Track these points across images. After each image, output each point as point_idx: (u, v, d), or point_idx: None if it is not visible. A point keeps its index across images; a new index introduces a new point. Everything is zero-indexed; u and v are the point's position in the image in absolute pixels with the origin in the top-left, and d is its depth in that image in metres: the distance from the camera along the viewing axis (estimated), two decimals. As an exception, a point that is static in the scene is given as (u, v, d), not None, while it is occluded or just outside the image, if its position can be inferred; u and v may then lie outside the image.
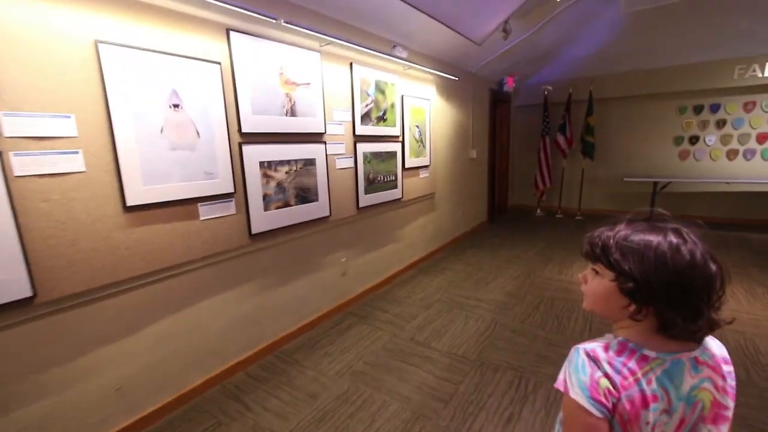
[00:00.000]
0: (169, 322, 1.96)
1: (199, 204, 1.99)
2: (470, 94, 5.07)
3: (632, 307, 0.60)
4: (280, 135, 2.38)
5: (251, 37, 2.14)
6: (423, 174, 4.07)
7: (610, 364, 0.60)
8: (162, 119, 1.78)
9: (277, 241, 2.48)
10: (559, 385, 0.64)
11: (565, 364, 0.64)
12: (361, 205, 3.13)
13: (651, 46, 5.22)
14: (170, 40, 1.79)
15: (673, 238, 0.57)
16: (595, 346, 0.63)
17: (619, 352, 0.61)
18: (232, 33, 2.04)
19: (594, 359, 0.60)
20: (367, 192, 3.18)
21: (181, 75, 1.84)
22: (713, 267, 0.56)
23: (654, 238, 0.58)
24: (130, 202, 1.70)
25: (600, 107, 6.17)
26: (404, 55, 3.31)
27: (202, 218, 2.01)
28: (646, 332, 0.61)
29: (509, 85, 6.06)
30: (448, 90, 4.48)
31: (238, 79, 2.09)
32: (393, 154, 3.49)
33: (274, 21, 2.17)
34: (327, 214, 2.79)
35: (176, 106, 1.83)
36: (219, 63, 1.99)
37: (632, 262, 0.58)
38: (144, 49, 1.68)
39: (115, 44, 1.59)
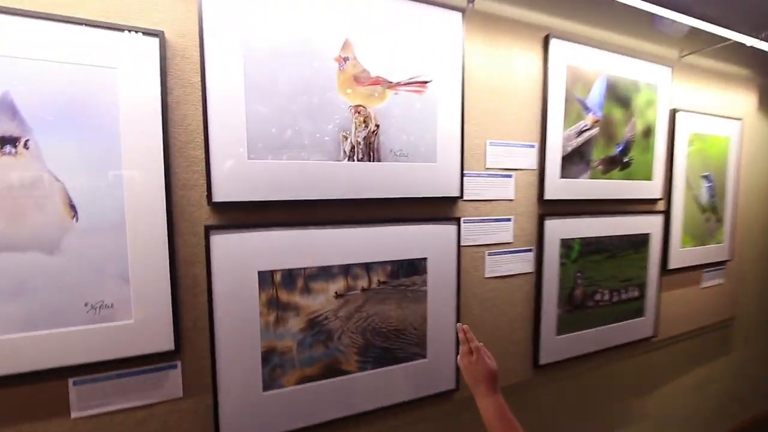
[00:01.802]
0: None
1: (71, 380, 0.79)
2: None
3: None
4: (329, 205, 0.98)
5: (260, -31, 0.86)
6: (711, 279, 1.84)
7: None
8: (-44, 175, 0.68)
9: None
10: None
11: None
12: (544, 359, 1.34)
13: None
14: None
15: None
16: None
17: None
18: (199, -42, 0.81)
19: None
20: (563, 329, 1.37)
21: (33, 65, 0.71)
22: None
23: None
24: None
25: None
26: (689, 23, 1.38)
27: (75, 414, 0.80)
28: None
29: None
30: (786, 98, 2.08)
31: (211, 76, 0.83)
32: (639, 242, 1.53)
33: None
34: (451, 386, 1.17)
35: (10, 141, 0.71)
36: (157, 35, 0.79)
37: None
38: None
39: None
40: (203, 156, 0.85)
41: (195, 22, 0.82)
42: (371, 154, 1.00)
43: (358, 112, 0.97)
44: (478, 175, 1.17)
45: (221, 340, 0.89)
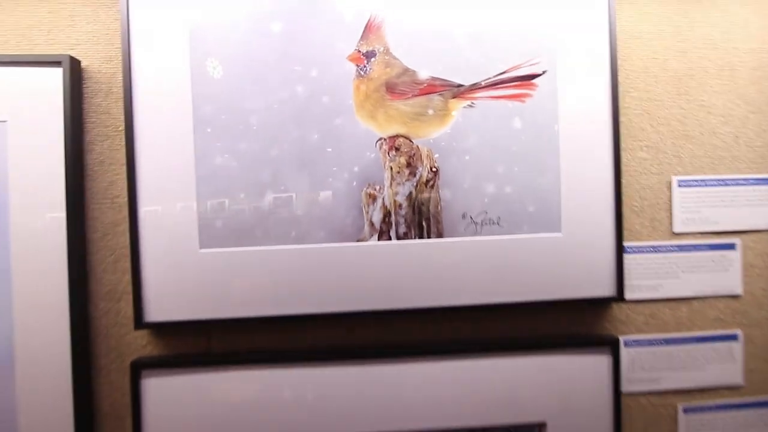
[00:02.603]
0: None
1: None
2: None
3: None
4: (345, 322, 0.54)
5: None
6: None
7: None
8: None
9: None
10: None
11: None
12: None
13: None
14: None
15: None
16: None
17: None
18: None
19: None
20: None
21: None
22: None
23: None
24: None
25: None
26: None
27: None
28: None
29: None
30: None
31: (142, 117, 0.50)
32: None
33: None
34: None
35: None
36: (60, 63, 0.50)
37: None
38: None
39: None
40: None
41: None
42: (425, 224, 0.53)
43: (396, 149, 0.52)
44: (656, 250, 0.58)
45: None
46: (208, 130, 0.50)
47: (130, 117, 0.50)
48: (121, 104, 0.52)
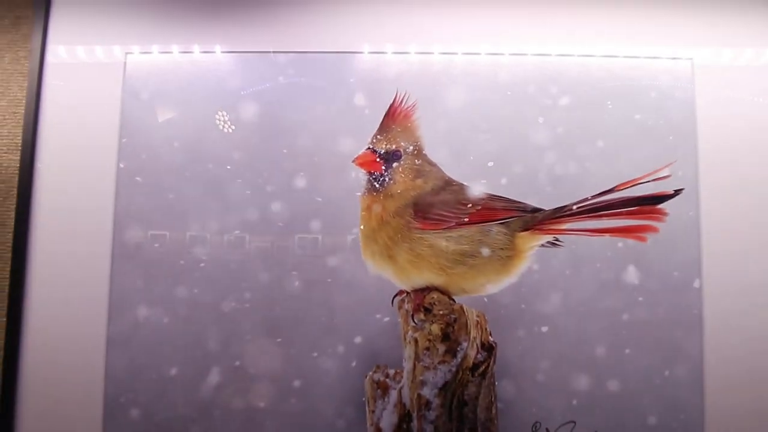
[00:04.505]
0: None
1: None
2: None
3: None
4: None
5: None
6: None
7: None
8: None
9: None
10: None
11: None
12: None
13: None
14: None
15: None
16: None
17: None
18: None
19: None
20: None
21: None
22: None
23: None
24: None
25: None
26: None
27: None
28: None
29: None
30: None
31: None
32: None
33: None
34: None
35: None
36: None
37: None
38: None
39: None
40: None
41: None
42: None
43: (426, 310, 0.32)
44: None
45: None
46: (129, 266, 0.32)
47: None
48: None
